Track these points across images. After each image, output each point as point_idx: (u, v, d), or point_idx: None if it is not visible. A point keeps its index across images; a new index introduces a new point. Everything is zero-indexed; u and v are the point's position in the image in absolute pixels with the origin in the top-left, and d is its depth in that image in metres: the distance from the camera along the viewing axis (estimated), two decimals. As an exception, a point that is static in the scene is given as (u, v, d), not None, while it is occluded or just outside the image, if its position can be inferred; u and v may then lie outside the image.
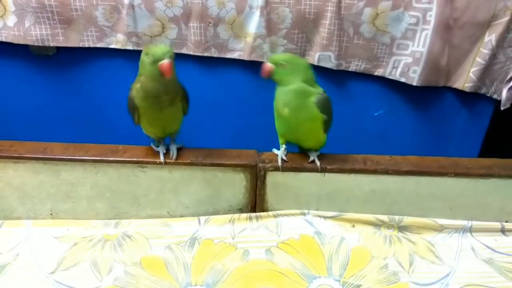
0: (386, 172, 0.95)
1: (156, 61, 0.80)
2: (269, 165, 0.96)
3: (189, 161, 0.95)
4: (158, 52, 0.80)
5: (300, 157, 0.98)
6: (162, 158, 0.95)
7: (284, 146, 0.98)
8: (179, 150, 0.98)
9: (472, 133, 1.34)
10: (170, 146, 0.97)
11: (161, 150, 0.96)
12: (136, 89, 0.87)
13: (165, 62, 0.80)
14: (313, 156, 0.96)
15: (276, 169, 0.96)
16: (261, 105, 1.30)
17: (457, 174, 0.95)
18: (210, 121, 1.36)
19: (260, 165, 0.96)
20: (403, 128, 1.35)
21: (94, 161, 0.93)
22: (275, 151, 0.99)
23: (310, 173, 0.96)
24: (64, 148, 0.94)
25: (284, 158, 0.96)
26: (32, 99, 1.30)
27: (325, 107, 0.91)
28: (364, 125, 1.35)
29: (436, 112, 1.32)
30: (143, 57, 0.84)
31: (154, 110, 0.88)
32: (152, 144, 0.98)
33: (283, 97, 0.89)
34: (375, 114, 1.34)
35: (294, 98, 0.88)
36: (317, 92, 0.90)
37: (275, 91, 0.92)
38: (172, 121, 0.94)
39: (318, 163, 0.95)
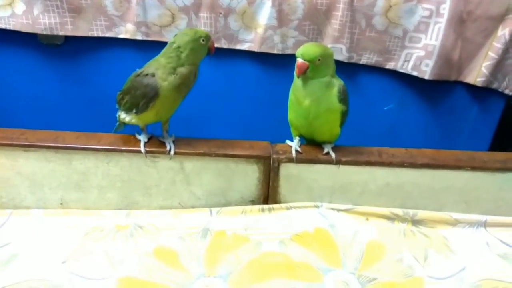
0: (401, 165, 0.94)
1: (207, 40, 0.89)
2: (283, 156, 0.95)
3: (202, 151, 0.94)
4: (208, 33, 0.89)
5: (314, 149, 0.97)
6: (143, 149, 0.92)
7: (297, 137, 0.97)
8: (173, 142, 0.95)
9: (482, 128, 1.33)
10: (165, 139, 0.94)
11: (143, 139, 0.94)
12: (169, 80, 0.86)
13: (212, 40, 0.91)
14: (327, 148, 0.95)
15: (290, 160, 0.94)
16: (271, 96, 1.29)
17: (474, 168, 0.94)
18: (219, 113, 1.34)
19: (274, 156, 0.95)
20: (413, 122, 1.34)
21: (106, 150, 0.91)
22: (288, 142, 0.98)
23: (324, 165, 0.95)
24: (76, 136, 0.93)
25: (298, 149, 0.95)
26: (41, 89, 1.28)
27: (346, 98, 0.90)
28: (374, 118, 1.34)
29: (447, 107, 1.31)
30: (196, 43, 0.87)
31: (173, 99, 0.89)
32: (136, 133, 0.96)
33: (307, 88, 0.87)
34: (385, 108, 1.33)
35: (319, 90, 0.87)
36: (338, 84, 0.89)
37: (293, 83, 0.90)
38: (174, 108, 0.93)
39: (333, 155, 0.94)
